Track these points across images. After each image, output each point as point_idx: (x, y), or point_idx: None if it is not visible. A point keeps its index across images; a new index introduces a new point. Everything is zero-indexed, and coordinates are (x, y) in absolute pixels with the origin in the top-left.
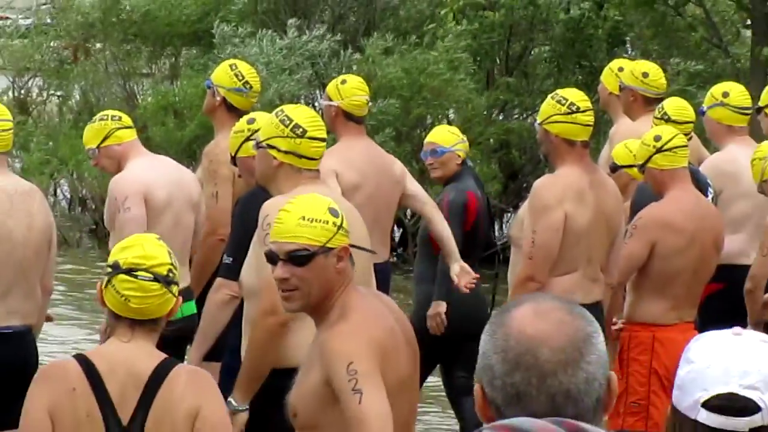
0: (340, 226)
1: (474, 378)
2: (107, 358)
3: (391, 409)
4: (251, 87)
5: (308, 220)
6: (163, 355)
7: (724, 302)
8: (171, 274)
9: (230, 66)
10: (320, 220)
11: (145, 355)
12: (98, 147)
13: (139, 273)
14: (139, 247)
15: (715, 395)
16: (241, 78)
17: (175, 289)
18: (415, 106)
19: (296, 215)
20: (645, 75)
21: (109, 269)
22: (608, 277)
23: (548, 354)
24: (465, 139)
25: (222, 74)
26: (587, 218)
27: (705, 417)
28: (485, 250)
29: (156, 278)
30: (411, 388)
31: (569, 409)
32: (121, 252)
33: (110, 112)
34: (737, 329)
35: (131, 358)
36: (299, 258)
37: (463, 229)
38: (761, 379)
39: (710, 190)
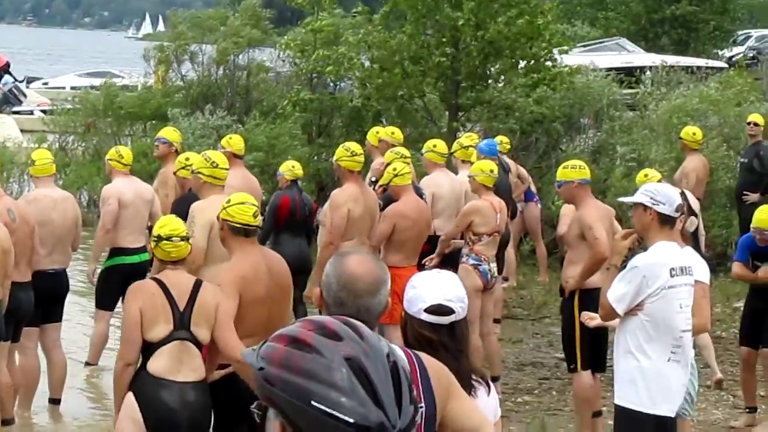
0: (224, 209)
1: (320, 286)
2: (168, 278)
3: (249, 313)
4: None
5: (227, 201)
6: (194, 278)
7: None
8: (187, 234)
9: (174, 130)
10: (221, 204)
11: (185, 277)
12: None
13: (173, 238)
14: (170, 224)
15: (430, 305)
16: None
17: (189, 241)
18: (272, 157)
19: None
20: (392, 133)
21: (156, 238)
22: (369, 241)
23: (362, 285)
24: (293, 167)
25: (171, 134)
26: (359, 211)
27: (426, 317)
28: (310, 228)
29: (182, 239)
30: (267, 303)
31: (364, 317)
32: (161, 228)
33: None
34: (437, 270)
35: (179, 278)
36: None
37: (277, 218)
38: (454, 296)
39: (424, 195)
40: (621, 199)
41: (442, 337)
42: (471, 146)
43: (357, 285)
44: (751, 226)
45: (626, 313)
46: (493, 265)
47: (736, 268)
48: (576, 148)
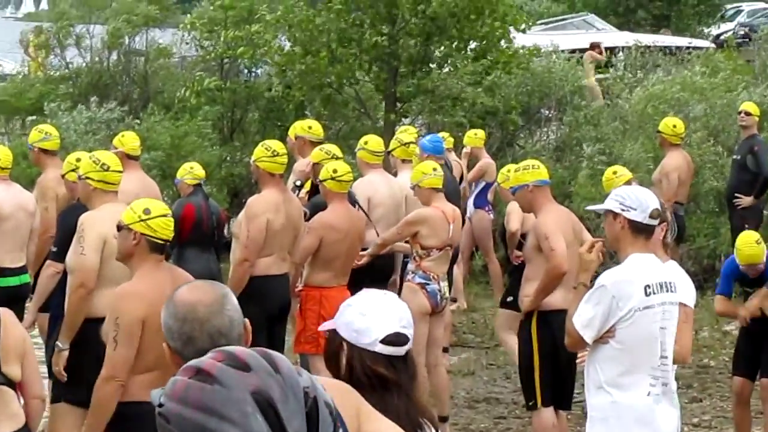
0: (144, 220)
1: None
2: None
3: (153, 345)
4: (51, 134)
5: (131, 208)
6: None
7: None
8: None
9: (39, 131)
10: (134, 211)
11: None
12: None
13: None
14: (150, 203)
15: (387, 334)
16: (47, 133)
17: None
18: (176, 160)
19: (132, 203)
20: (309, 127)
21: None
22: (292, 258)
23: (203, 309)
24: (192, 168)
25: (34, 135)
26: (281, 222)
27: (382, 348)
28: (218, 241)
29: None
30: None
31: (222, 341)
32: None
33: None
34: (384, 291)
35: None
36: (117, 226)
37: (180, 231)
38: (407, 321)
39: (358, 202)
40: (589, 208)
41: (399, 373)
42: (412, 143)
43: (197, 311)
44: (739, 263)
45: (595, 340)
46: (444, 284)
47: (719, 304)
48: (536, 144)
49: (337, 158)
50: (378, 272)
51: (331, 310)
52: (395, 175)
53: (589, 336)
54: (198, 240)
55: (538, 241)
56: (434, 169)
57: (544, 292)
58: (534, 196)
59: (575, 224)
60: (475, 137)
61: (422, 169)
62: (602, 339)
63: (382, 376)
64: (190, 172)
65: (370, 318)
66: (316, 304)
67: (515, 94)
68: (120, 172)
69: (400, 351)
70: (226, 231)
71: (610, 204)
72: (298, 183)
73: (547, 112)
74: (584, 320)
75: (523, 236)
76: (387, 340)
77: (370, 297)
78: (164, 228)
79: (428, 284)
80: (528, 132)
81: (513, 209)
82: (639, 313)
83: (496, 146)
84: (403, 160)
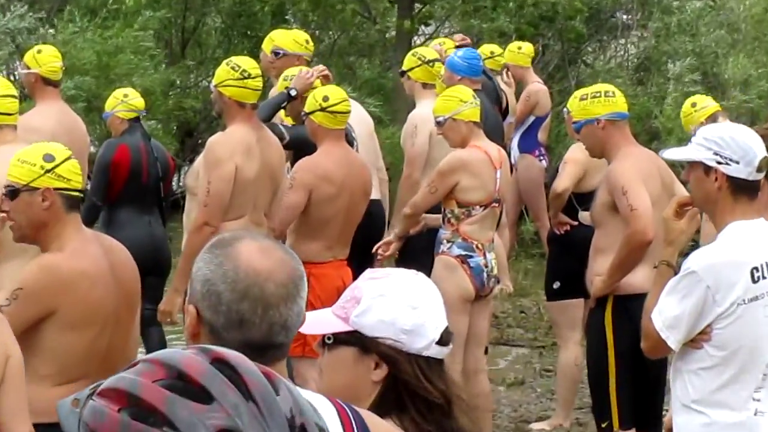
0: (50, 170)
1: (187, 301)
2: None
3: (78, 336)
4: None
5: (21, 161)
6: None
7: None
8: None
9: None
10: (30, 163)
11: None
12: None
13: None
14: (46, 146)
15: (442, 332)
16: None
17: None
18: (105, 86)
19: (15, 158)
20: (307, 42)
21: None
22: (270, 222)
23: (273, 288)
24: (126, 96)
25: None
26: (254, 170)
27: (437, 351)
28: (165, 198)
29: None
30: (109, 324)
31: (281, 337)
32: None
33: None
34: (413, 271)
35: None
36: (8, 193)
37: (111, 183)
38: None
39: (355, 143)
40: (667, 154)
41: (447, 383)
42: (437, 60)
43: (266, 288)
44: None
45: (684, 344)
46: (492, 257)
47: None
48: (610, 61)
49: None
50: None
51: (326, 295)
52: (413, 105)
53: (674, 339)
54: (136, 196)
55: (613, 197)
56: (474, 97)
57: (622, 268)
58: (607, 135)
59: (665, 174)
60: (518, 52)
61: (458, 95)
62: (693, 343)
63: (444, 393)
64: (124, 101)
65: (423, 311)
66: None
67: None
68: (15, 97)
69: (445, 352)
70: (175, 184)
71: (699, 152)
72: (294, 92)
73: (625, 17)
74: (668, 318)
75: (580, 197)
76: (442, 340)
77: (403, 279)
78: (76, 174)
79: (471, 257)
80: (598, 45)
81: (572, 157)
82: (743, 306)
83: (554, 65)
84: (425, 85)
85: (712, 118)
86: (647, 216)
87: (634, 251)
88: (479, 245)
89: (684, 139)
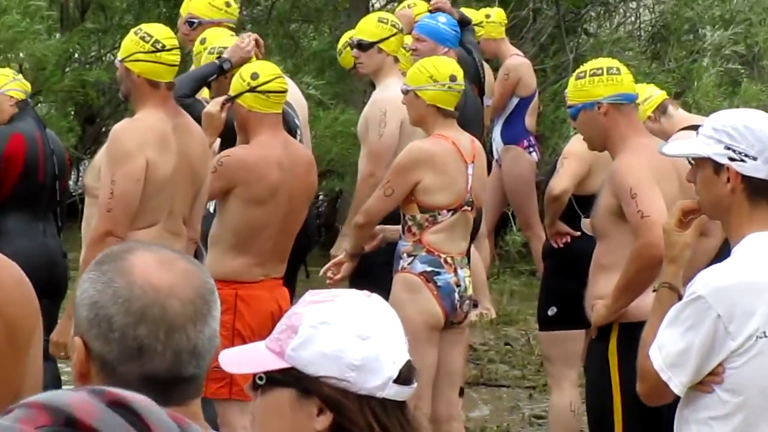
0: None
1: (72, 333)
2: None
3: None
4: None
5: None
6: None
7: None
8: None
9: None
10: None
11: None
12: None
13: None
14: None
15: (402, 366)
16: None
17: None
18: None
19: None
20: (228, 5)
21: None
22: (191, 232)
23: (177, 306)
24: (15, 76)
25: None
26: (170, 166)
27: (395, 392)
28: (60, 201)
29: None
30: None
31: (190, 368)
32: None
33: None
34: (364, 292)
35: None
36: None
37: (6, 177)
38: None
39: (299, 132)
40: (667, 149)
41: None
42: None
43: (168, 307)
44: None
45: (690, 387)
46: (466, 274)
47: None
48: (617, 30)
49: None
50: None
51: (258, 323)
52: (372, 86)
53: (678, 382)
54: (28, 199)
55: (619, 201)
56: (452, 77)
57: (629, 289)
58: (610, 123)
59: (683, 170)
60: (487, 22)
61: (432, 70)
62: (702, 386)
63: None
64: (18, 79)
65: (377, 342)
66: (228, 312)
67: None
68: None
69: (406, 393)
70: (72, 183)
71: (707, 146)
72: (228, 64)
73: None
74: (670, 355)
75: (583, 201)
76: (402, 378)
77: (352, 303)
78: None
79: (438, 274)
80: (603, 9)
81: (572, 151)
82: (764, 340)
83: (548, 34)
84: (397, 60)
85: (661, 109)
86: (662, 225)
87: (645, 268)
88: (448, 259)
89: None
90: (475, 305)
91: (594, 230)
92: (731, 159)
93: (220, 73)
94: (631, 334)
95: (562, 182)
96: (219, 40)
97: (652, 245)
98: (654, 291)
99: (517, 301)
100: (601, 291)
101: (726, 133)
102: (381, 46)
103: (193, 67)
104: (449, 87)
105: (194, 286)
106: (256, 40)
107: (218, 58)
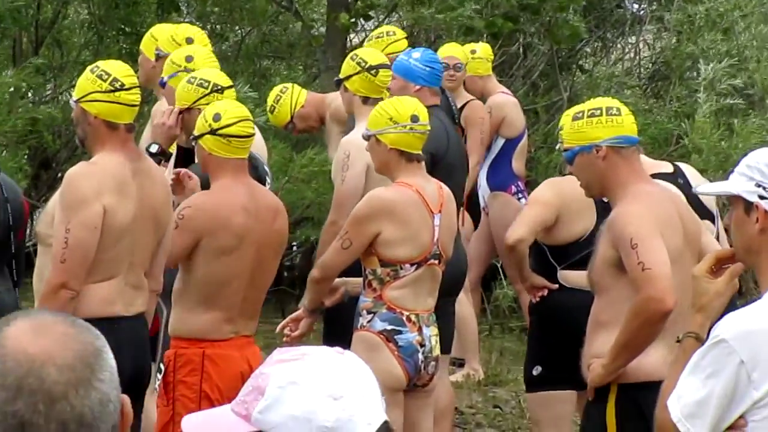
0: None
1: None
2: None
3: None
4: None
5: None
6: None
7: None
8: None
9: None
10: None
11: None
12: None
13: None
14: None
15: (378, 428)
16: None
17: None
18: None
19: None
20: (189, 40)
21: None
22: (153, 283)
23: (55, 374)
24: None
25: None
26: (130, 213)
27: None
28: (17, 253)
29: None
30: None
31: None
32: None
33: None
34: (337, 348)
35: None
36: None
37: None
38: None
39: (268, 180)
40: (701, 189)
41: None
42: (384, 66)
43: (44, 375)
44: None
45: None
46: (432, 332)
47: None
48: (614, 66)
49: (223, 90)
50: None
51: (227, 384)
52: (351, 127)
53: None
54: None
55: (619, 252)
56: (414, 117)
57: (630, 347)
58: (609, 168)
59: (689, 221)
60: (473, 58)
61: (391, 110)
62: None
63: None
64: None
65: (350, 402)
66: (194, 373)
67: None
68: None
69: None
70: (28, 233)
71: (738, 184)
72: (154, 149)
73: (635, 6)
74: (689, 405)
75: (558, 251)
76: None
77: (323, 360)
78: None
79: (400, 333)
80: (600, 45)
81: (535, 198)
82: None
83: (540, 72)
84: (365, 100)
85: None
86: (665, 277)
87: (647, 324)
88: (412, 317)
89: (715, 171)
90: (462, 365)
91: (591, 284)
92: (761, 197)
93: (151, 156)
94: (631, 396)
95: (517, 231)
96: (203, 68)
97: (653, 300)
98: (677, 341)
99: (507, 360)
100: (599, 349)
101: (758, 170)
102: (346, 83)
103: (163, 75)
104: (411, 128)
105: (74, 350)
106: (183, 109)
107: (148, 145)
